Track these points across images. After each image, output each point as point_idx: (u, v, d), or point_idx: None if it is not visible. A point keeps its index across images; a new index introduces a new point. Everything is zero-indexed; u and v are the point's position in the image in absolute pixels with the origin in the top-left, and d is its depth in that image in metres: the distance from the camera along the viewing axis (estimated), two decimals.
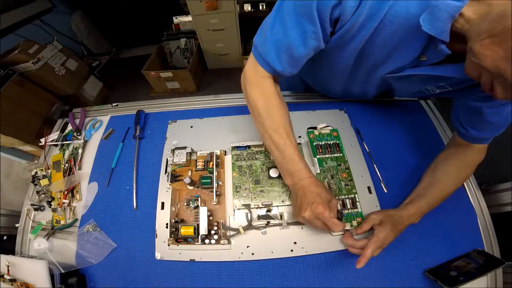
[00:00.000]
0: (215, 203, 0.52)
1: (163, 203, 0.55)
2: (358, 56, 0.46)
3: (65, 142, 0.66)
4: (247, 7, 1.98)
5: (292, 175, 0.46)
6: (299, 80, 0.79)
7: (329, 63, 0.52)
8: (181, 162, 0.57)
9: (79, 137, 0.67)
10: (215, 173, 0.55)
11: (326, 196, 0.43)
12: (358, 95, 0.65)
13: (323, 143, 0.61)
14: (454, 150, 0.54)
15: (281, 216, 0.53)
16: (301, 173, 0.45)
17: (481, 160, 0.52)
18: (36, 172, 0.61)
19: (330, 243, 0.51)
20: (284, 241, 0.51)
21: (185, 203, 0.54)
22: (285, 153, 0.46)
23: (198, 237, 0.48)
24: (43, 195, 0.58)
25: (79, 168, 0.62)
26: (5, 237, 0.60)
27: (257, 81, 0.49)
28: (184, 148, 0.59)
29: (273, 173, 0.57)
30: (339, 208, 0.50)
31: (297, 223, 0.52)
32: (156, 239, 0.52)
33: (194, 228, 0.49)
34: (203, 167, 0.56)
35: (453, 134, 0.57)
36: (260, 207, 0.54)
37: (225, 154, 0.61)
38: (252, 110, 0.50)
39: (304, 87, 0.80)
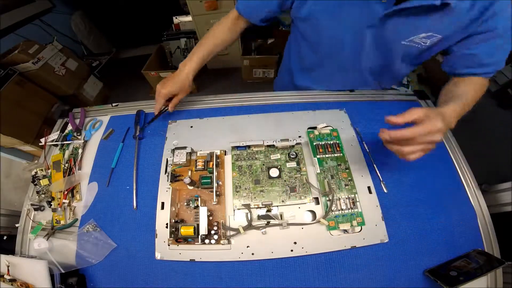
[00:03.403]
0: (215, 203, 0.52)
1: (163, 203, 0.55)
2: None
3: (65, 142, 0.66)
4: None
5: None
6: (293, 86, 0.83)
7: (320, 33, 0.61)
8: (181, 162, 0.57)
9: (79, 137, 0.67)
10: (215, 173, 0.55)
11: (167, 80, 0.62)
12: (358, 76, 0.68)
13: (323, 143, 0.61)
14: (463, 81, 0.58)
15: (281, 216, 0.53)
16: (185, 62, 0.65)
17: (488, 84, 0.59)
18: (36, 172, 0.61)
19: (330, 243, 0.51)
20: (284, 241, 0.51)
21: (185, 203, 0.54)
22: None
23: (198, 237, 0.48)
24: (43, 195, 0.58)
25: (79, 168, 0.62)
26: (5, 237, 0.60)
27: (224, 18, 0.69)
28: (184, 148, 0.59)
29: (273, 173, 0.57)
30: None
31: (297, 223, 0.52)
32: (156, 239, 0.52)
33: (194, 228, 0.49)
34: (203, 167, 0.56)
35: (450, 79, 0.61)
36: (260, 207, 0.54)
37: (225, 154, 0.61)
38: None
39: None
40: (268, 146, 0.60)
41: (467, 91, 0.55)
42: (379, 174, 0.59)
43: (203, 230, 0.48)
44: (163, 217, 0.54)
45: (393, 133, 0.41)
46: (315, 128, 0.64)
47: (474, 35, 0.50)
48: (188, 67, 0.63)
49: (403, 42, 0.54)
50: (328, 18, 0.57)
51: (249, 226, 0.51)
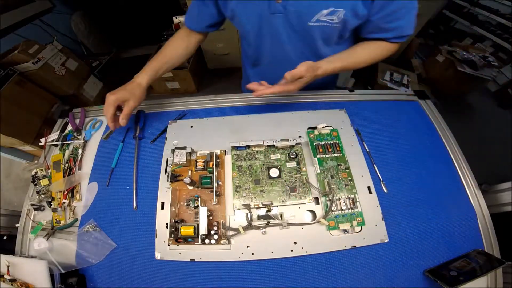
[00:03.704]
0: (215, 203, 0.52)
1: (163, 203, 0.55)
2: None
3: (65, 142, 0.66)
4: None
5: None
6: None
7: (244, 29, 0.64)
8: (181, 162, 0.57)
9: (79, 137, 0.67)
10: (215, 173, 0.55)
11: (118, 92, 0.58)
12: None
13: (323, 143, 0.61)
14: (368, 41, 0.63)
15: (281, 216, 0.53)
16: (137, 74, 0.63)
17: (395, 51, 0.64)
18: (36, 172, 0.61)
19: (330, 243, 0.51)
20: (284, 241, 0.51)
21: (185, 203, 0.54)
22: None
23: (198, 237, 0.48)
24: (43, 195, 0.58)
25: (79, 168, 0.62)
26: (5, 237, 0.60)
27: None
28: (184, 148, 0.59)
29: (273, 173, 0.57)
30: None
31: (297, 223, 0.52)
32: (156, 239, 0.52)
33: (194, 228, 0.49)
34: (203, 167, 0.56)
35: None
36: (260, 207, 0.54)
37: (225, 154, 0.61)
38: None
39: None
40: (268, 146, 0.60)
41: (361, 50, 0.62)
42: (379, 174, 0.59)
43: (203, 230, 0.48)
44: (163, 217, 0.54)
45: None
46: (315, 128, 0.64)
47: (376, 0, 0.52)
48: (140, 77, 0.62)
49: (310, 23, 0.55)
50: (242, 12, 0.59)
51: (249, 226, 0.51)
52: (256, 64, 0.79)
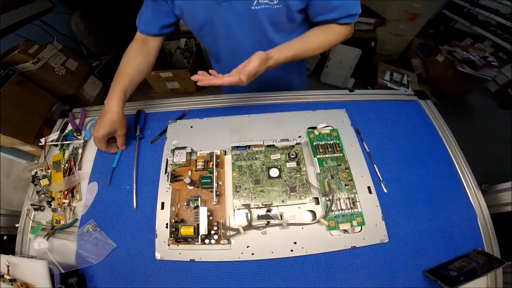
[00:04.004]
0: (215, 203, 0.52)
1: (163, 203, 0.55)
2: None
3: (65, 142, 0.66)
4: None
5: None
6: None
7: (195, 24, 0.64)
8: (181, 162, 0.57)
9: (79, 137, 0.67)
10: (215, 173, 0.55)
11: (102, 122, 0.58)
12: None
13: (323, 143, 0.61)
14: (320, 26, 0.63)
15: (281, 216, 0.53)
16: (107, 98, 0.62)
17: (348, 34, 0.64)
18: (36, 172, 0.61)
19: (330, 243, 0.51)
20: (284, 241, 0.51)
21: (185, 203, 0.54)
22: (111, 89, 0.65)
23: (198, 237, 0.48)
24: (43, 195, 0.58)
25: (79, 168, 0.62)
26: (5, 237, 0.60)
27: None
28: (184, 148, 0.59)
29: (273, 173, 0.57)
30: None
31: (297, 223, 0.52)
32: (156, 239, 0.52)
33: (194, 228, 0.49)
34: (203, 167, 0.56)
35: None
36: (260, 207, 0.54)
37: (225, 154, 0.61)
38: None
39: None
40: (268, 146, 0.60)
41: (312, 36, 0.61)
42: (379, 174, 0.59)
43: (203, 230, 0.48)
44: (163, 217, 0.54)
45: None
46: (315, 128, 0.64)
47: None
48: (112, 104, 0.59)
49: (253, 7, 0.56)
50: (190, 8, 0.59)
51: (249, 226, 0.51)
52: (217, 59, 0.78)
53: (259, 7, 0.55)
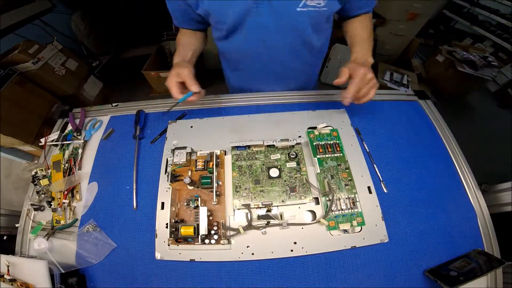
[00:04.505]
0: (215, 203, 0.52)
1: (163, 203, 0.55)
2: None
3: (65, 142, 0.66)
4: None
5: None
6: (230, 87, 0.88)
7: (222, 27, 0.62)
8: (181, 162, 0.57)
9: (79, 137, 0.67)
10: (215, 173, 0.55)
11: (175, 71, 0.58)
12: (281, 64, 0.70)
13: (323, 143, 0.61)
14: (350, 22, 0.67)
15: (281, 216, 0.53)
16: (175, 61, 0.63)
17: (371, 17, 0.68)
18: (36, 172, 0.61)
19: (330, 243, 0.51)
20: (284, 241, 0.51)
21: (185, 203, 0.54)
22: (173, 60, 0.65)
23: (198, 237, 0.48)
24: (43, 195, 0.58)
25: (79, 168, 0.62)
26: (5, 237, 0.60)
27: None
28: (184, 148, 0.59)
29: (273, 173, 0.57)
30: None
31: (297, 223, 0.52)
32: (156, 239, 0.52)
33: (194, 228, 0.49)
34: (203, 167, 0.56)
35: (342, 26, 0.70)
36: (260, 207, 0.54)
37: (225, 154, 0.61)
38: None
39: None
40: (268, 146, 0.60)
41: (359, 30, 0.65)
42: (379, 174, 0.59)
43: (203, 230, 0.48)
44: (163, 217, 0.54)
45: (348, 94, 0.54)
46: (315, 128, 0.64)
47: None
48: (177, 59, 0.63)
49: (299, 9, 0.55)
50: (220, 7, 0.57)
51: (249, 226, 0.51)
52: (237, 67, 0.76)
53: (305, 9, 0.54)
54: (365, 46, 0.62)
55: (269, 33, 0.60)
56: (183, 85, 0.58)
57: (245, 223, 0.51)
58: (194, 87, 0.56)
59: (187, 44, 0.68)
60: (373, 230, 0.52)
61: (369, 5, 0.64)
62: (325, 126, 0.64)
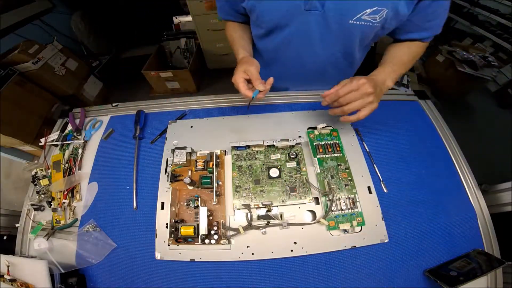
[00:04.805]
0: (215, 203, 0.52)
1: (163, 203, 0.55)
2: None
3: (65, 142, 0.66)
4: None
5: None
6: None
7: (265, 25, 0.61)
8: (181, 162, 0.57)
9: (79, 137, 0.67)
10: (215, 173, 0.55)
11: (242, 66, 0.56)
12: (316, 67, 0.68)
13: (323, 143, 0.61)
14: (400, 44, 0.63)
15: (281, 216, 0.53)
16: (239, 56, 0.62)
17: (423, 51, 0.63)
18: (36, 172, 0.61)
19: (330, 243, 0.51)
20: (284, 241, 0.51)
21: (185, 203, 0.54)
22: (236, 54, 0.64)
23: (198, 237, 0.48)
24: (43, 195, 0.58)
25: (79, 168, 0.62)
26: (5, 237, 0.60)
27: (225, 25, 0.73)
28: (184, 148, 0.59)
29: (273, 173, 0.57)
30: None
31: (297, 223, 0.52)
32: (156, 239, 0.52)
33: (194, 228, 0.49)
34: (203, 167, 0.56)
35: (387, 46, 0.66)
36: (260, 207, 0.54)
37: (225, 154, 0.61)
38: (228, 41, 0.71)
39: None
40: (268, 146, 0.60)
41: (402, 53, 0.61)
42: (379, 174, 0.59)
43: (203, 230, 0.48)
44: (163, 217, 0.54)
45: (327, 98, 0.51)
46: (315, 128, 0.64)
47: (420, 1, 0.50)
48: (242, 53, 0.61)
49: (351, 21, 0.52)
50: (267, 6, 0.55)
51: (249, 226, 0.51)
52: (270, 64, 0.73)
53: (358, 22, 0.52)
54: (395, 68, 0.57)
55: (313, 39, 0.59)
56: (248, 81, 0.56)
57: (245, 223, 0.51)
58: (261, 86, 0.53)
59: (244, 37, 0.68)
60: (373, 230, 0.52)
61: (424, 32, 0.58)
62: (325, 126, 0.64)
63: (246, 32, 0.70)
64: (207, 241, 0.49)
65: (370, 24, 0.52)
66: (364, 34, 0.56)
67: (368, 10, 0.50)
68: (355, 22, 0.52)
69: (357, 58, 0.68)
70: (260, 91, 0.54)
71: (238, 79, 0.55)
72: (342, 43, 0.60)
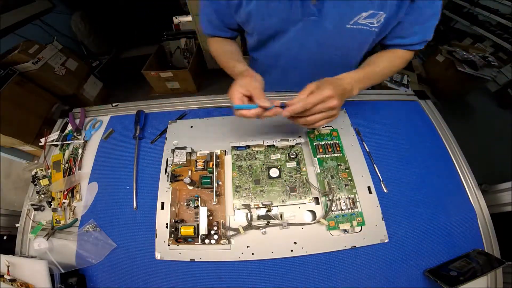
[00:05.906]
0: (215, 203, 0.52)
1: (163, 203, 0.55)
2: None
3: (65, 142, 0.66)
4: None
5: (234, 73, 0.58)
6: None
7: (262, 33, 0.59)
8: (181, 162, 0.57)
9: (79, 137, 0.67)
10: (215, 173, 0.55)
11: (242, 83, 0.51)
12: (314, 71, 0.64)
13: (323, 143, 0.61)
14: (385, 50, 0.62)
15: (281, 216, 0.53)
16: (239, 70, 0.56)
17: (410, 59, 0.61)
18: (36, 172, 0.61)
19: (330, 243, 0.51)
20: (284, 241, 0.51)
21: (185, 203, 0.54)
22: (234, 69, 0.58)
23: (198, 237, 0.48)
24: (43, 195, 0.58)
25: (79, 168, 0.62)
26: (5, 237, 0.60)
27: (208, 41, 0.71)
28: (184, 148, 0.59)
29: (273, 173, 0.57)
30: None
31: (297, 223, 0.52)
32: (156, 239, 0.52)
33: (194, 228, 0.49)
34: (203, 167, 0.56)
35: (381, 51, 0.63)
36: (260, 207, 0.54)
37: (225, 154, 0.61)
38: (215, 56, 0.68)
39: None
40: (268, 146, 0.60)
41: (380, 60, 0.58)
42: (379, 174, 0.59)
43: (203, 230, 0.48)
44: (163, 217, 0.54)
45: (290, 109, 0.44)
46: (315, 128, 0.64)
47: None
48: (241, 67, 0.56)
49: (349, 26, 0.52)
50: (262, 15, 0.54)
51: (249, 226, 0.51)
52: (268, 71, 0.72)
53: (356, 26, 0.52)
54: (368, 75, 0.54)
55: (311, 45, 0.59)
56: (248, 99, 0.49)
57: (245, 223, 0.51)
58: (262, 100, 0.46)
59: (238, 50, 0.65)
60: (373, 230, 0.52)
61: (413, 37, 0.55)
62: (325, 126, 0.64)
63: (237, 46, 0.68)
64: (207, 241, 0.49)
65: (368, 28, 0.52)
66: (363, 39, 0.56)
67: (364, 14, 0.50)
68: (352, 26, 0.52)
69: (354, 63, 0.67)
70: (260, 107, 0.47)
71: (235, 93, 0.49)
72: (340, 48, 0.59)
